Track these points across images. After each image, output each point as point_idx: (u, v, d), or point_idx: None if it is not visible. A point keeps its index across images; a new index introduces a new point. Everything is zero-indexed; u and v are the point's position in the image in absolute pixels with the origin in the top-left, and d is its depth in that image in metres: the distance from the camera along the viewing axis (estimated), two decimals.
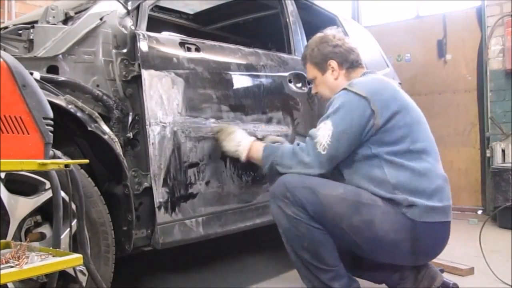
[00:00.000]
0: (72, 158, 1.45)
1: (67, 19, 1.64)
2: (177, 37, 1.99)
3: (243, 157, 1.81)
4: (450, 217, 1.61)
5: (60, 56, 1.53)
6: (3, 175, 1.22)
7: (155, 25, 2.29)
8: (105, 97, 1.58)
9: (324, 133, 1.59)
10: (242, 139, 1.82)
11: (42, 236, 1.36)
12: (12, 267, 0.98)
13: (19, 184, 1.31)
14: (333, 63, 1.79)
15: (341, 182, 1.65)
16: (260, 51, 2.25)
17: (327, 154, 1.58)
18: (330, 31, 1.87)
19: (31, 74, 1.30)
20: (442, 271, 2.18)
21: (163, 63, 1.75)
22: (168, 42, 1.82)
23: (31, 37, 1.50)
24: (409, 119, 1.60)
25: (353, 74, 1.78)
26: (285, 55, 2.37)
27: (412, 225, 1.52)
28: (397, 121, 1.57)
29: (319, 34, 1.88)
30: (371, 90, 1.60)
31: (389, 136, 1.57)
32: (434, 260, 2.29)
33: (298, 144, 1.69)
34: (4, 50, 1.44)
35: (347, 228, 1.54)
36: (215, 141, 1.86)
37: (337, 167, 1.67)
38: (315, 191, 1.56)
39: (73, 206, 1.30)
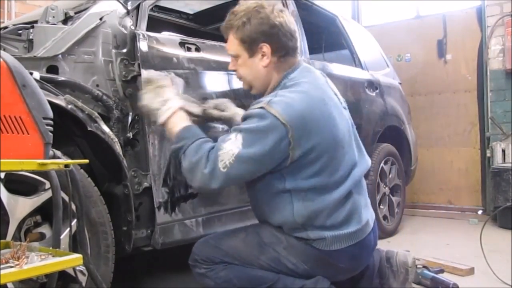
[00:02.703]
0: (72, 158, 1.45)
1: (67, 19, 1.65)
2: (177, 37, 1.99)
3: (161, 119, 1.49)
4: (361, 237, 1.50)
5: (60, 56, 1.53)
6: (3, 175, 1.22)
7: (155, 25, 2.28)
8: (105, 97, 1.58)
9: (230, 148, 1.37)
10: (170, 99, 1.51)
11: (42, 236, 1.36)
12: (12, 267, 0.98)
13: (19, 184, 1.31)
14: (265, 48, 1.48)
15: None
16: None
17: (225, 173, 1.37)
18: (269, 1, 1.52)
19: (31, 74, 1.30)
20: (442, 271, 2.19)
21: (163, 63, 1.74)
22: (168, 42, 1.82)
23: (31, 37, 1.50)
24: (331, 147, 1.44)
25: (285, 65, 1.52)
26: None
27: (320, 254, 1.47)
28: (317, 153, 1.41)
29: (252, 2, 1.51)
30: (294, 114, 1.37)
31: (306, 170, 1.42)
32: (434, 260, 2.31)
33: (212, 148, 1.44)
34: (4, 50, 1.43)
35: (258, 267, 1.51)
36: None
37: (254, 194, 1.56)
38: (218, 245, 1.55)
39: (73, 206, 1.30)
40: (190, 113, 1.57)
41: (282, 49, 1.50)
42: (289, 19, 1.52)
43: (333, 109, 1.49)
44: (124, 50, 1.69)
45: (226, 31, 1.55)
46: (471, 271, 2.24)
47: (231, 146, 1.38)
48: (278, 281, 1.50)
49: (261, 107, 1.40)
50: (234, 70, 1.59)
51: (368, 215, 1.56)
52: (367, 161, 1.63)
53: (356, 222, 1.50)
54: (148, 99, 1.52)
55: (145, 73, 1.61)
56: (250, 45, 1.49)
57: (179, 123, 1.49)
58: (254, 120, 1.39)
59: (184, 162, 1.45)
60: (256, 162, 1.39)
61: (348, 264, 1.53)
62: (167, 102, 1.50)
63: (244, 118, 1.46)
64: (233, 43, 1.53)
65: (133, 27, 1.74)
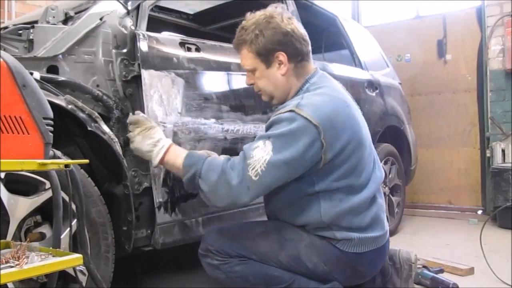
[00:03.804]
0: (72, 158, 1.45)
1: (67, 19, 1.64)
2: (177, 37, 1.99)
3: (156, 160, 1.49)
4: (382, 243, 1.53)
5: (60, 56, 1.53)
6: (3, 175, 1.22)
7: (155, 25, 2.28)
8: (105, 97, 1.58)
9: (260, 155, 1.36)
10: (161, 139, 1.51)
11: (42, 236, 1.35)
12: (12, 267, 0.98)
13: (19, 184, 1.31)
14: (281, 56, 1.50)
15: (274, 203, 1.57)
16: None
17: (258, 181, 1.36)
18: (276, 10, 1.53)
19: (31, 74, 1.30)
20: (442, 271, 2.19)
21: (163, 63, 1.75)
22: (168, 42, 1.82)
23: (31, 37, 1.49)
24: (358, 148, 1.46)
25: (302, 71, 1.54)
26: None
27: (342, 255, 1.47)
28: (346, 153, 1.42)
29: (260, 14, 1.53)
30: (324, 115, 1.38)
31: (336, 172, 1.43)
32: (434, 260, 2.31)
33: (229, 159, 1.45)
34: (4, 50, 1.43)
35: (276, 264, 1.49)
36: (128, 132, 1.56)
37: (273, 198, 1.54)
38: (236, 237, 1.52)
39: (73, 206, 1.30)
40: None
41: (298, 55, 1.52)
42: (299, 24, 1.54)
43: (355, 111, 1.54)
44: (124, 50, 1.69)
45: (239, 47, 1.56)
46: (471, 271, 2.24)
47: (262, 153, 1.37)
48: (294, 282, 1.49)
49: (291, 110, 1.39)
50: (251, 84, 1.60)
51: (387, 224, 1.60)
52: (382, 170, 1.63)
53: (380, 228, 1.52)
54: (138, 142, 1.51)
55: (131, 116, 1.57)
56: (267, 56, 1.51)
57: (178, 156, 1.50)
58: (283, 124, 1.39)
59: (204, 186, 1.44)
60: (289, 167, 1.38)
61: (366, 268, 1.54)
62: (158, 142, 1.51)
63: (271, 124, 1.44)
64: (248, 57, 1.54)
65: (133, 27, 1.74)
